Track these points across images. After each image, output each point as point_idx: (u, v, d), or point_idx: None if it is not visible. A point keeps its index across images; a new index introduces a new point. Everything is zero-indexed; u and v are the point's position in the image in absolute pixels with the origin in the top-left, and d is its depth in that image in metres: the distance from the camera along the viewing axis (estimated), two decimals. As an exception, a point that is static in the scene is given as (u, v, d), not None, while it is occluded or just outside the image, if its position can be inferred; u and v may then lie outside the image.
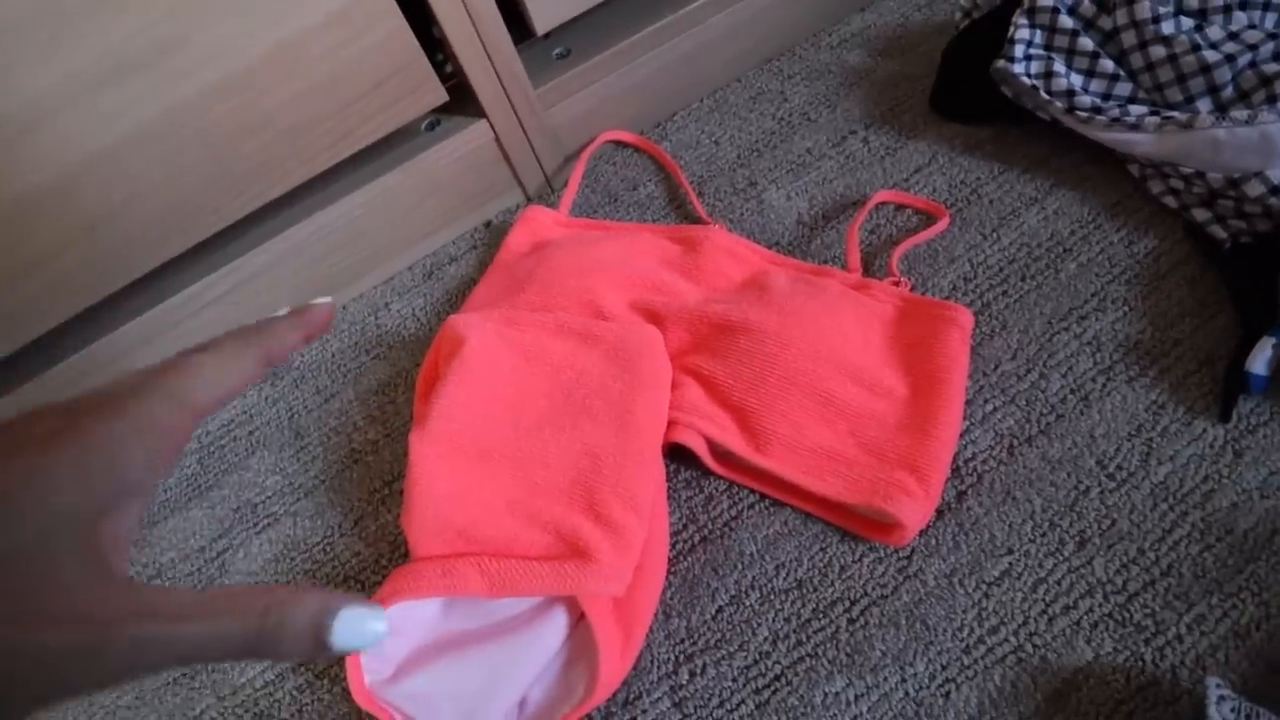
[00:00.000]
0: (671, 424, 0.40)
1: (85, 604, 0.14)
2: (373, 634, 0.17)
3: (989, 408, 0.41)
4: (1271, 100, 0.41)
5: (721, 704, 0.36)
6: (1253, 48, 0.42)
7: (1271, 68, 0.42)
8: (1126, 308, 0.43)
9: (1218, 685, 0.30)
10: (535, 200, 0.56)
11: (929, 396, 0.39)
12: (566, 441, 0.38)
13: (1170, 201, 0.45)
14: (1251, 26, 0.43)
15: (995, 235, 0.47)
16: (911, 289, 0.45)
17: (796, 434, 0.39)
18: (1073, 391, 0.41)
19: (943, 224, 0.47)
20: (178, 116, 0.40)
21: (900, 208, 0.49)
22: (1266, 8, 0.44)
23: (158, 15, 0.37)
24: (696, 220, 0.51)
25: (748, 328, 0.42)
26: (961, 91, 0.51)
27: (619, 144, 0.57)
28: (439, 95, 0.48)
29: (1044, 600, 0.36)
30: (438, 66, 0.48)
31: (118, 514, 0.16)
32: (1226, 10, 0.44)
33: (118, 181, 0.41)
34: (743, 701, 0.36)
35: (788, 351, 0.40)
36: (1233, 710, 0.29)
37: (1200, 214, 0.43)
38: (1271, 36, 0.42)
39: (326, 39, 0.41)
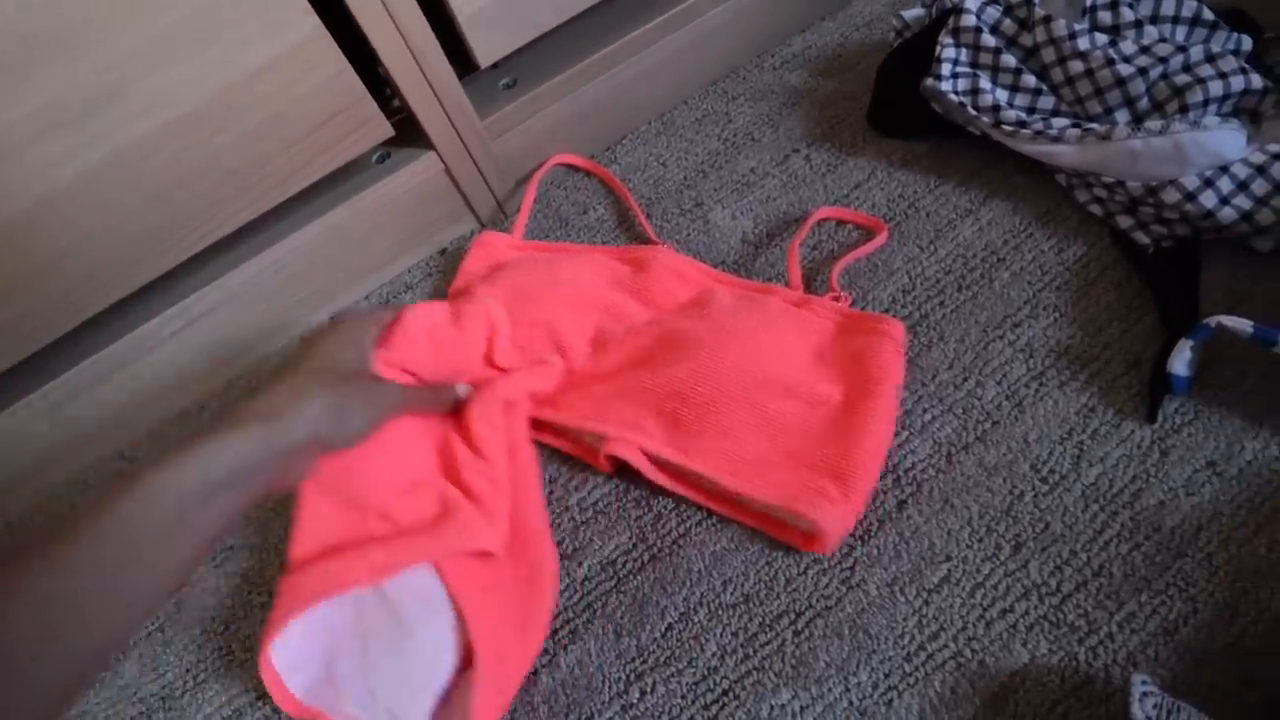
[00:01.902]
0: (609, 440, 0.41)
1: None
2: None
3: (927, 417, 0.42)
4: (1183, 110, 0.43)
5: (672, 721, 0.37)
6: (1163, 60, 0.44)
7: (1182, 79, 0.43)
8: (1057, 314, 0.44)
9: (1143, 682, 0.31)
10: (489, 226, 0.57)
11: (859, 407, 0.40)
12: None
13: (1096, 209, 0.46)
14: (1162, 40, 0.45)
15: (932, 247, 0.48)
16: (852, 303, 0.47)
17: (726, 441, 0.40)
18: (1007, 398, 0.42)
19: (881, 239, 0.48)
20: (124, 161, 0.41)
21: (841, 223, 0.51)
22: (1175, 21, 0.46)
23: (102, 64, 0.37)
24: (646, 241, 0.52)
25: (684, 342, 0.43)
26: (897, 108, 0.53)
27: (570, 168, 0.58)
28: (385, 130, 0.49)
29: (982, 605, 0.37)
30: (385, 101, 0.49)
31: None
32: (1138, 25, 0.46)
33: (67, 226, 0.41)
34: (693, 718, 0.37)
35: (721, 365, 0.41)
36: (1155, 706, 0.30)
37: (1124, 221, 0.45)
38: (1181, 49, 0.44)
39: (270, 81, 0.42)
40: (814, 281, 0.48)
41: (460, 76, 0.49)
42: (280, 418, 0.32)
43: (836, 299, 0.46)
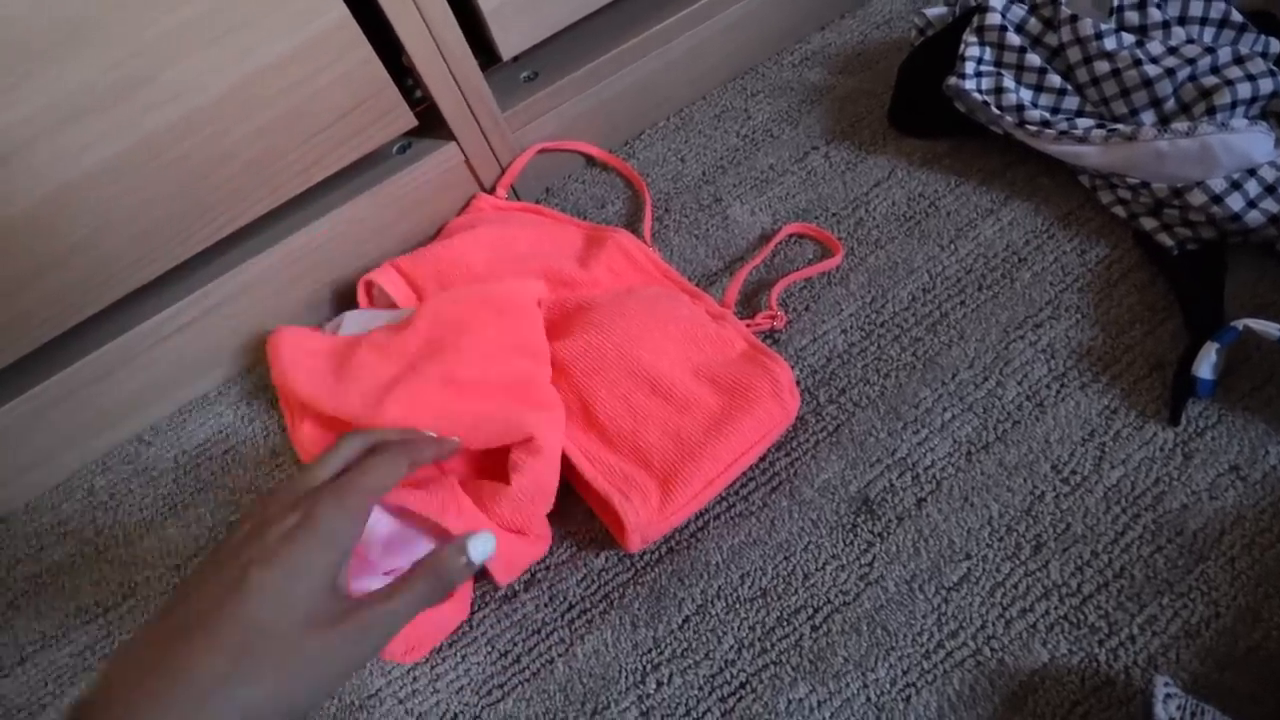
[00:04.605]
0: None
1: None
2: (486, 546, 0.31)
3: (947, 415, 0.42)
4: (1211, 112, 0.43)
5: (688, 713, 0.37)
6: (1191, 61, 0.43)
7: (1210, 80, 0.43)
8: (1079, 315, 0.44)
9: (1165, 684, 0.31)
10: (507, 219, 0.57)
11: (717, 430, 0.40)
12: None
13: (1119, 211, 0.46)
14: (1190, 41, 0.45)
15: (953, 246, 0.48)
16: (787, 323, 0.47)
17: (586, 417, 0.42)
18: (1028, 398, 0.42)
19: (835, 260, 0.48)
20: (146, 150, 0.41)
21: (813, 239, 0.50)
22: (1204, 23, 0.46)
23: (125, 53, 0.37)
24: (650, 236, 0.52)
25: (586, 318, 0.44)
26: (918, 107, 0.52)
27: (589, 161, 0.58)
28: (408, 120, 0.49)
29: (1001, 604, 0.37)
30: (408, 91, 0.49)
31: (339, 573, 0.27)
32: (1165, 26, 0.45)
33: (87, 213, 0.41)
34: (709, 710, 0.37)
35: (604, 345, 0.43)
36: (1179, 708, 0.30)
37: (1148, 222, 0.44)
38: (1209, 50, 0.43)
39: (294, 71, 0.42)
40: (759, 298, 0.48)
41: (482, 68, 0.49)
42: None
43: (772, 318, 0.46)
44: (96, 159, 0.40)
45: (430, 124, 0.51)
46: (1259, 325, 0.37)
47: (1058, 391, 0.42)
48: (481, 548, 0.30)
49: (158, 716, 0.22)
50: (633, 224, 0.54)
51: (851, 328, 0.46)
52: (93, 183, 0.40)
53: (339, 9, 0.42)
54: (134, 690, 0.23)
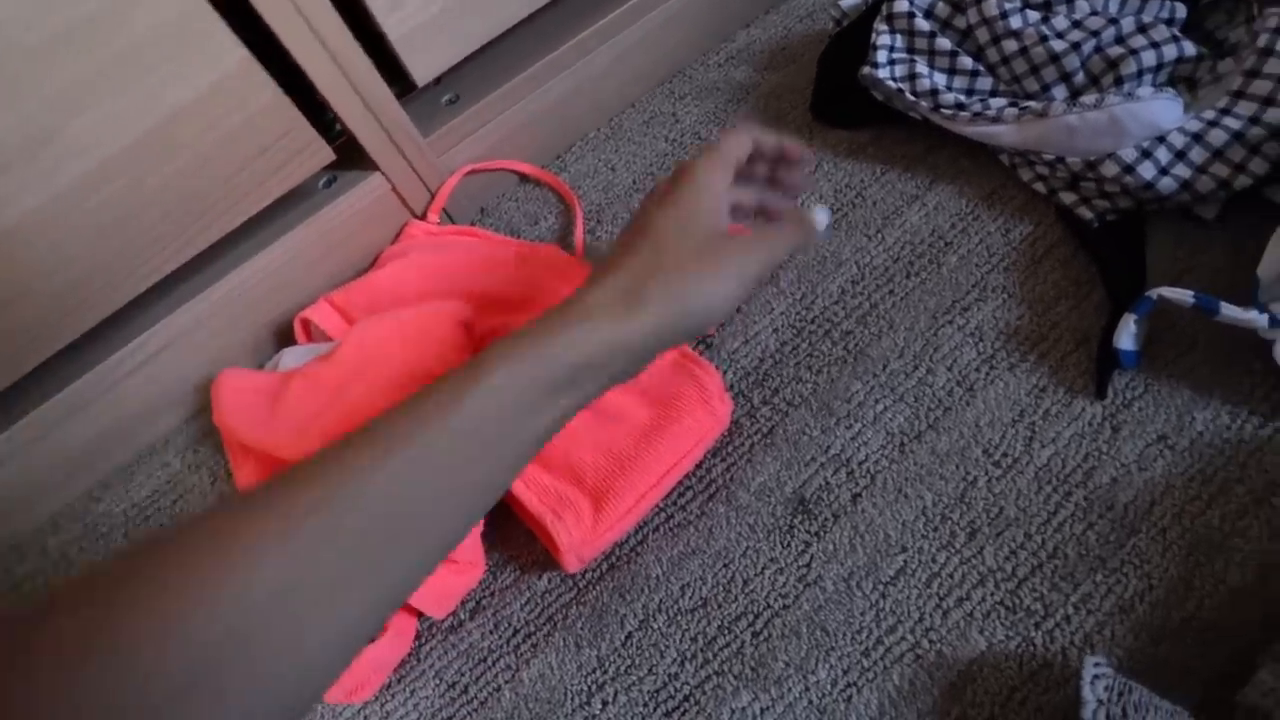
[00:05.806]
0: None
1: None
2: (825, 215, 0.37)
3: (879, 408, 0.42)
4: (1119, 82, 0.43)
5: (634, 730, 0.37)
6: (1095, 34, 0.43)
7: (1115, 51, 0.43)
8: (1006, 295, 0.44)
9: (1095, 664, 0.31)
10: (443, 243, 0.57)
11: (647, 441, 0.40)
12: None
13: (1040, 187, 0.46)
14: (1094, 14, 0.45)
15: (880, 236, 0.48)
16: (719, 327, 0.46)
17: None
18: (958, 384, 0.42)
19: None
20: (60, 205, 0.41)
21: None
22: (1107, -7, 0.45)
23: (31, 109, 0.37)
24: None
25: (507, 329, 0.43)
26: (839, 99, 0.52)
27: (522, 179, 0.58)
28: (326, 155, 0.49)
29: (938, 595, 0.37)
30: (328, 125, 0.49)
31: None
32: (1069, 0, 0.45)
33: (6, 271, 0.41)
34: (654, 725, 0.37)
35: None
36: (1106, 689, 0.30)
37: (1067, 197, 0.44)
38: (1112, 21, 0.43)
39: (203, 115, 0.42)
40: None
41: (402, 95, 0.49)
42: (630, 308, 0.28)
43: None
44: (10, 218, 0.40)
45: (353, 156, 0.51)
46: (1172, 293, 0.37)
47: (987, 374, 0.42)
48: (823, 216, 0.37)
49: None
50: (565, 238, 0.54)
51: (783, 326, 0.46)
52: (12, 240, 0.40)
53: (239, 51, 0.42)
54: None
